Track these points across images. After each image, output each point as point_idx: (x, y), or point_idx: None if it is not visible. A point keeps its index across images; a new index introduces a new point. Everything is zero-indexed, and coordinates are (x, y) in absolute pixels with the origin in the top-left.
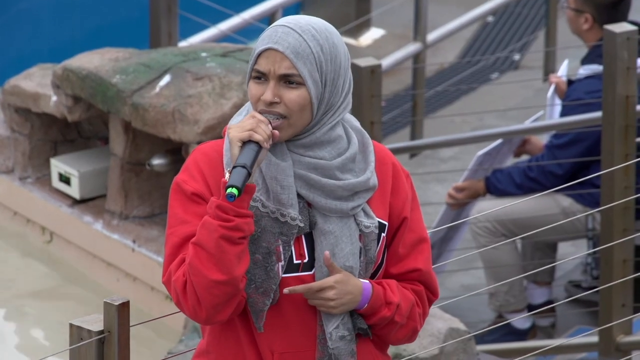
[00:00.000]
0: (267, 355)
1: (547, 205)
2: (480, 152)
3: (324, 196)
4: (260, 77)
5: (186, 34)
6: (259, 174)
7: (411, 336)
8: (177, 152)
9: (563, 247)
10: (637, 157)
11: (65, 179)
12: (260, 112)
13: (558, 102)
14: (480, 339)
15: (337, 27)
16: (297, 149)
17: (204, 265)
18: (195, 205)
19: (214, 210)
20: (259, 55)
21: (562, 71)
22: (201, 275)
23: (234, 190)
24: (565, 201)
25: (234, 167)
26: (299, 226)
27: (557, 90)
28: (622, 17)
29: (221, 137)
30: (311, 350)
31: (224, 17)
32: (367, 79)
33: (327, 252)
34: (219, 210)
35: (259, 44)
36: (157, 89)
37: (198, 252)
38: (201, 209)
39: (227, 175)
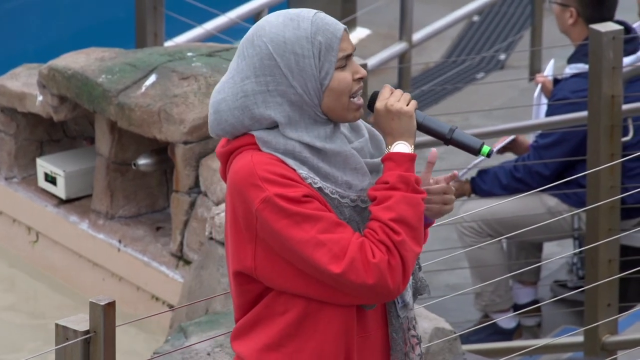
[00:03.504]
0: (350, 342)
1: (533, 205)
2: (469, 166)
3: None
4: (345, 61)
5: (172, 33)
6: (330, 166)
7: None
8: (163, 152)
9: (549, 247)
10: (623, 156)
11: (51, 179)
12: (353, 97)
13: (544, 101)
14: (466, 338)
15: None
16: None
17: (411, 240)
18: (311, 203)
19: (413, 184)
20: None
21: (549, 71)
22: (410, 250)
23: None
24: (551, 201)
25: (453, 129)
26: None
27: (544, 89)
28: (607, 13)
29: (207, 136)
30: (381, 331)
31: (210, 16)
32: None
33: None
34: (417, 184)
35: (327, 33)
36: (143, 89)
37: (403, 228)
38: (317, 204)
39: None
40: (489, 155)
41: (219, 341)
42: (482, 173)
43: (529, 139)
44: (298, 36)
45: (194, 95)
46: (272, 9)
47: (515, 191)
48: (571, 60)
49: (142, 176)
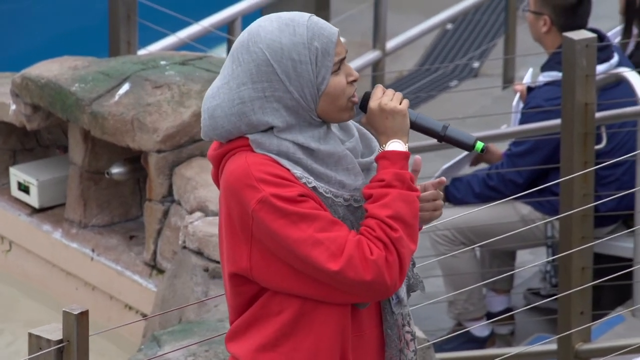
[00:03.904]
0: (346, 340)
1: (506, 213)
2: (445, 166)
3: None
4: (340, 65)
5: (145, 42)
6: (323, 166)
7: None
8: (136, 161)
9: (522, 255)
10: (596, 164)
11: (24, 188)
12: (352, 102)
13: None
14: (439, 347)
15: None
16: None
17: (408, 237)
18: (307, 202)
19: (408, 182)
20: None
21: (527, 79)
22: (407, 246)
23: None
24: (525, 209)
25: (446, 127)
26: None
27: (522, 97)
28: (580, 21)
29: (180, 145)
30: (376, 330)
31: (183, 25)
32: None
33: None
34: (412, 181)
35: (323, 38)
36: (116, 98)
37: (400, 225)
38: (313, 203)
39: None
40: (482, 150)
41: (192, 350)
42: (455, 181)
43: (502, 147)
44: (295, 42)
45: (167, 103)
46: (245, 17)
47: (489, 199)
48: (544, 68)
49: (115, 185)
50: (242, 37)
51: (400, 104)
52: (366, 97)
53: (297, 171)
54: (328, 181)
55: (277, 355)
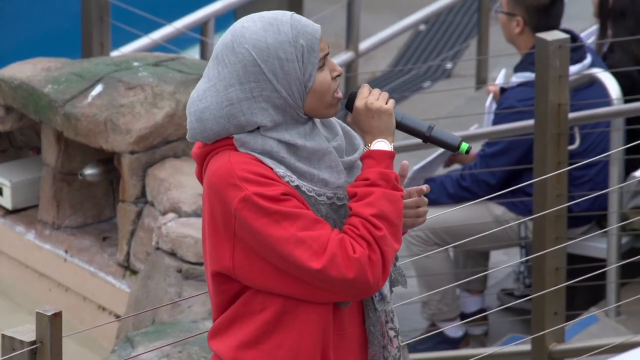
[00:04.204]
0: (327, 339)
1: (480, 213)
2: (416, 167)
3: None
4: (324, 61)
5: (118, 43)
6: (307, 164)
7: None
8: (109, 162)
9: (495, 256)
10: (569, 165)
11: None
12: (337, 98)
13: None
14: (413, 347)
15: None
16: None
17: (391, 236)
18: (289, 201)
19: (393, 182)
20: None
21: (500, 80)
22: (391, 245)
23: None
24: (498, 209)
25: (431, 127)
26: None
27: (495, 98)
28: (553, 21)
29: (154, 146)
30: (358, 328)
31: (156, 26)
32: None
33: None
34: (397, 181)
35: (307, 35)
36: (89, 99)
37: (384, 223)
38: (295, 202)
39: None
40: (467, 152)
41: (165, 351)
42: (429, 182)
43: (475, 148)
44: (280, 41)
45: (140, 105)
46: (218, 18)
47: (462, 200)
48: (518, 69)
49: (88, 186)
50: (225, 38)
51: (386, 103)
52: (352, 97)
53: (280, 170)
54: (311, 179)
55: (258, 352)
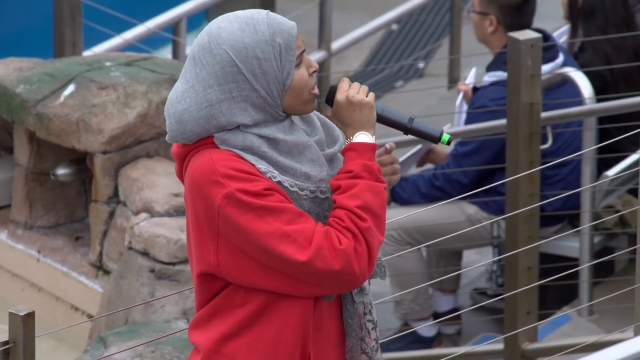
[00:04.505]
0: (307, 332)
1: (453, 213)
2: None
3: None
4: (301, 58)
5: (90, 43)
6: (288, 158)
7: None
8: (81, 162)
9: (468, 255)
10: (542, 164)
11: None
12: (314, 95)
13: (465, 109)
14: (386, 347)
15: None
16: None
17: (376, 227)
18: (272, 196)
19: (376, 173)
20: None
21: (470, 79)
22: (376, 237)
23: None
24: (471, 209)
25: (412, 119)
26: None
27: (465, 97)
28: (526, 20)
29: (126, 146)
30: (336, 321)
31: (128, 26)
32: None
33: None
34: (379, 173)
35: (284, 33)
36: (62, 99)
37: (369, 215)
38: (279, 196)
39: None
40: (448, 142)
41: (138, 351)
42: (401, 181)
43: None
44: (258, 40)
45: (112, 105)
46: (190, 18)
47: (435, 199)
48: (490, 68)
49: (61, 186)
50: (202, 39)
51: (366, 96)
52: (332, 91)
53: (262, 166)
54: (293, 174)
55: (239, 345)
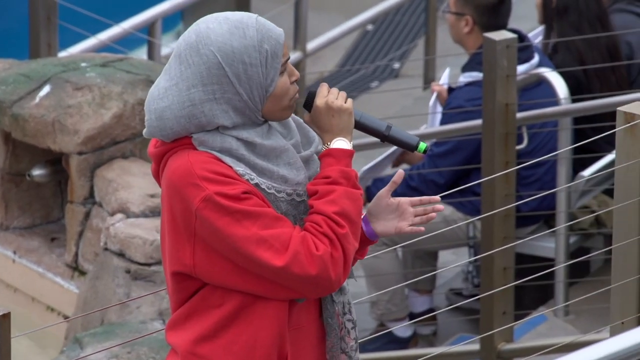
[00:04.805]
0: (283, 334)
1: None
2: (365, 168)
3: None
4: (285, 66)
5: (66, 44)
6: (266, 161)
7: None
8: (57, 163)
9: (444, 255)
10: (517, 164)
11: None
12: (294, 100)
13: (440, 110)
14: (362, 347)
15: None
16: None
17: (353, 234)
18: (250, 200)
19: (353, 180)
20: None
21: (444, 79)
22: (352, 243)
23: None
24: (446, 209)
25: (390, 127)
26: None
27: (439, 98)
28: (502, 20)
29: (102, 147)
30: (315, 322)
31: (104, 27)
32: None
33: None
34: (357, 179)
35: (272, 40)
36: (37, 100)
37: (346, 221)
38: (256, 200)
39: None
40: (425, 151)
41: (114, 352)
42: (377, 182)
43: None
44: (246, 45)
45: (88, 105)
46: (165, 19)
47: None
48: (465, 68)
49: (36, 187)
50: (189, 38)
51: (345, 102)
52: (311, 96)
53: (240, 168)
54: (270, 176)
55: (215, 346)
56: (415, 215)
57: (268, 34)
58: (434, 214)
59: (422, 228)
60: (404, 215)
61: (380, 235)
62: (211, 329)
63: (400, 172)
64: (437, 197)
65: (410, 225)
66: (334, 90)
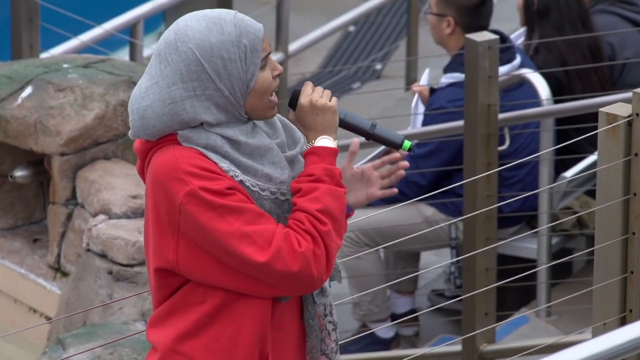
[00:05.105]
0: (265, 333)
1: (410, 214)
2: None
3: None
4: (266, 60)
5: (48, 45)
6: (250, 159)
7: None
8: (39, 164)
9: (426, 256)
10: (499, 165)
11: None
12: (273, 97)
13: (422, 111)
14: (344, 348)
15: None
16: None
17: (335, 232)
18: (234, 195)
19: (337, 178)
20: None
21: (424, 80)
22: (335, 241)
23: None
24: (428, 210)
25: (374, 125)
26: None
27: (421, 99)
28: (484, 21)
29: (84, 148)
30: (296, 323)
31: (86, 28)
32: None
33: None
34: (340, 178)
35: (250, 35)
36: (19, 101)
37: (329, 219)
38: (240, 196)
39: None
40: (410, 149)
41: (96, 353)
42: None
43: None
44: (224, 40)
45: (70, 106)
46: (147, 20)
47: (393, 201)
48: (447, 69)
49: (18, 188)
50: (169, 36)
51: (330, 101)
52: (295, 94)
53: (224, 164)
54: (255, 174)
55: (196, 344)
56: (382, 178)
57: (246, 29)
58: (401, 172)
59: (395, 190)
60: (370, 181)
61: (353, 207)
62: (193, 326)
63: (355, 141)
64: (398, 154)
65: (381, 189)
66: (319, 88)
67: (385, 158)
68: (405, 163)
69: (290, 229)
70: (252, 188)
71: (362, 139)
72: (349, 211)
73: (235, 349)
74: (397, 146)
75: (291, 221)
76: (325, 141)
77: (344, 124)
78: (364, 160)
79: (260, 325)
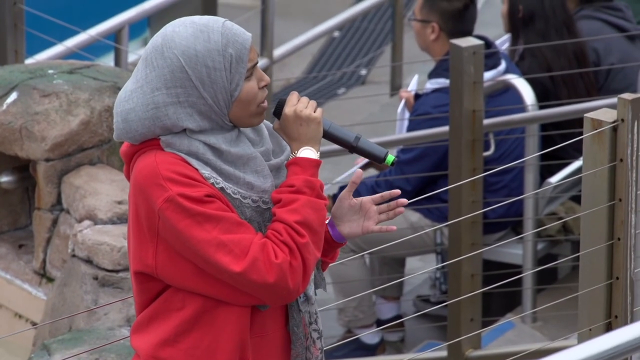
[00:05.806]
0: (245, 340)
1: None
2: (339, 178)
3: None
4: (252, 70)
5: (33, 51)
6: (232, 167)
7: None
8: (25, 170)
9: (411, 262)
10: (485, 171)
11: None
12: (262, 108)
13: (408, 116)
14: (330, 354)
15: None
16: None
17: (314, 244)
18: (213, 203)
19: (317, 190)
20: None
21: (412, 85)
22: (312, 253)
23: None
24: (414, 216)
25: (358, 137)
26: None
27: (407, 104)
28: (468, 26)
29: (69, 154)
30: (280, 331)
31: (71, 34)
32: None
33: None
34: (321, 190)
35: (237, 45)
36: (4, 107)
37: (307, 231)
38: (219, 204)
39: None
40: (393, 164)
41: (82, 358)
42: (343, 189)
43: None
44: (209, 49)
45: (55, 112)
46: (132, 26)
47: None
48: (432, 75)
49: (4, 194)
50: (156, 41)
51: (314, 112)
52: (280, 104)
53: (206, 171)
54: (237, 182)
55: (176, 351)
56: (380, 213)
57: (234, 39)
58: (400, 209)
59: (394, 227)
60: (368, 214)
61: (347, 238)
62: (172, 332)
63: (358, 172)
64: (397, 191)
65: (378, 223)
66: (304, 99)
67: (386, 193)
68: (404, 200)
69: (268, 240)
70: (233, 195)
71: (365, 168)
72: (342, 241)
73: (214, 356)
74: (380, 160)
75: (270, 232)
76: (307, 152)
77: (328, 136)
78: (348, 172)
79: (240, 332)
